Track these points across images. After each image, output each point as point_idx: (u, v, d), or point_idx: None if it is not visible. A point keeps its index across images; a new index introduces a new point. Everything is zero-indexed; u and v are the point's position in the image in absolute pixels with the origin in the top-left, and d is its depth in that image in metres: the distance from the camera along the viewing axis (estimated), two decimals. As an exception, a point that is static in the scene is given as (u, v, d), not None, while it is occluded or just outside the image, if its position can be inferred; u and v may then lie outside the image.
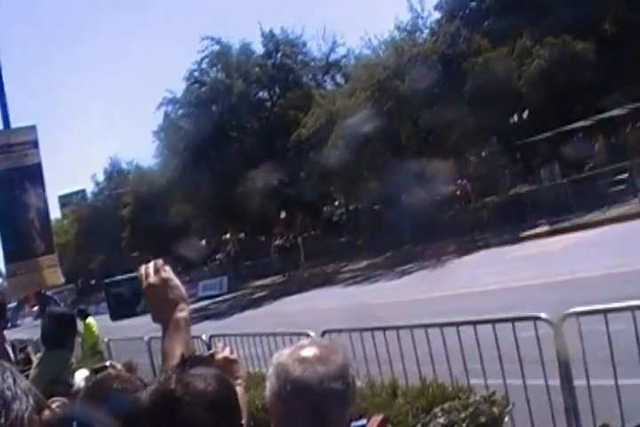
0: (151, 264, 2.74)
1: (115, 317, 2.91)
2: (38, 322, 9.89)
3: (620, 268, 14.89)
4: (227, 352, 3.20)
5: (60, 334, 6.88)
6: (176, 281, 2.73)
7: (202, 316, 30.79)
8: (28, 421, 1.49)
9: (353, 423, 2.62)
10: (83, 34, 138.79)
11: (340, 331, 8.63)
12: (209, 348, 9.33)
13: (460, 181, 38.13)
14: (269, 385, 2.41)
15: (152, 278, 2.69)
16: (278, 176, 45.24)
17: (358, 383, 7.01)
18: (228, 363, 3.12)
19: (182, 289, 2.75)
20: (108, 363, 3.52)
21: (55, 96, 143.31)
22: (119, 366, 3.37)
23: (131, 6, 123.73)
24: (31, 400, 1.53)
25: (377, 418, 3.00)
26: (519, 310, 7.68)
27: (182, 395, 2.13)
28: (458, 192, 36.17)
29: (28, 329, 30.47)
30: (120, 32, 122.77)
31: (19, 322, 55.83)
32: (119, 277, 2.96)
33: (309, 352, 2.42)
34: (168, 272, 2.73)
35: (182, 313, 2.67)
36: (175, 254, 38.45)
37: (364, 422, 2.90)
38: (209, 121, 42.37)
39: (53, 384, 4.60)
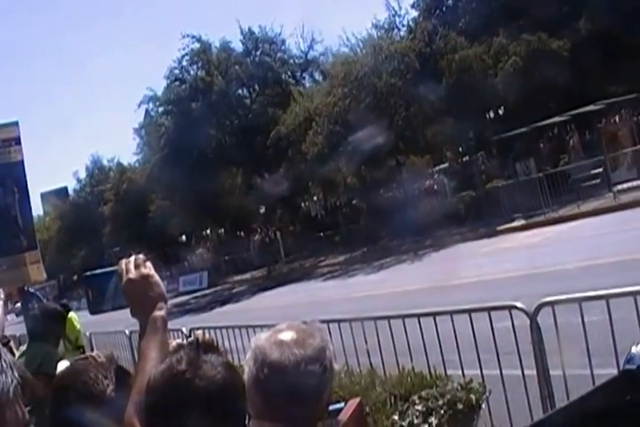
0: (132, 259, 2.68)
1: (93, 310, 2.90)
2: (21, 318, 9.53)
3: (595, 260, 15.13)
4: (206, 338, 3.09)
5: (46, 328, 7.03)
6: (156, 278, 2.66)
7: (182, 310, 30.86)
8: (14, 394, 1.52)
9: (330, 406, 2.68)
10: (64, 31, 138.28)
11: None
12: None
13: (436, 176, 38.46)
14: (247, 369, 2.43)
15: (132, 274, 2.62)
16: (258, 172, 45.40)
17: (337, 372, 6.51)
18: (208, 348, 2.98)
19: (162, 287, 2.68)
20: (89, 354, 3.31)
21: (36, 93, 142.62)
22: (102, 357, 3.08)
23: (113, 4, 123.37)
24: (16, 374, 1.54)
25: (354, 401, 3.05)
26: (496, 302, 7.51)
27: (192, 377, 2.15)
28: (435, 187, 36.41)
29: (11, 326, 30.33)
30: (102, 30, 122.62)
31: (0, 319, 55.45)
32: (99, 271, 2.92)
33: (287, 336, 2.45)
34: (149, 268, 2.66)
35: (160, 312, 2.60)
36: (155, 250, 38.60)
37: (341, 405, 2.95)
38: (189, 118, 42.37)
39: (35, 375, 4.51)
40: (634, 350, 1.73)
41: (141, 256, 2.69)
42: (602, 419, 1.70)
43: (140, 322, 2.59)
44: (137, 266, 2.64)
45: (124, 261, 2.67)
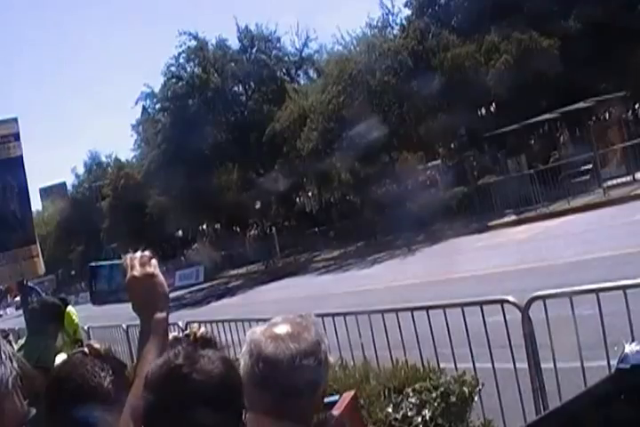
0: (137, 256, 2.61)
1: (96, 301, 2.88)
2: (20, 312, 9.81)
3: (585, 255, 15.36)
4: (202, 332, 3.04)
5: (45, 321, 7.07)
6: (160, 278, 2.59)
7: (178, 304, 30.62)
8: (13, 385, 1.51)
9: (325, 399, 2.67)
10: (62, 27, 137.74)
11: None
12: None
13: (429, 172, 38.65)
14: (242, 363, 2.42)
15: (136, 271, 2.55)
16: (253, 168, 45.67)
17: (332, 365, 6.61)
18: (205, 343, 2.84)
19: (166, 287, 2.61)
20: (86, 344, 3.14)
21: (35, 89, 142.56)
22: (98, 346, 3.06)
23: (112, 2, 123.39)
24: (15, 365, 1.53)
25: (349, 394, 3.03)
26: (488, 296, 7.35)
27: (189, 372, 2.12)
28: (428, 183, 36.51)
29: (10, 319, 30.11)
30: (99, 27, 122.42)
31: (1, 312, 55.99)
32: (104, 263, 2.88)
33: (282, 329, 2.45)
34: (154, 267, 2.59)
35: (162, 314, 2.54)
36: (152, 244, 38.79)
37: (336, 397, 2.96)
38: (185, 115, 42.62)
39: (33, 368, 4.35)
40: (627, 349, 1.68)
41: (148, 254, 2.63)
42: (595, 419, 1.69)
43: (141, 320, 2.56)
44: (142, 264, 2.57)
45: (129, 257, 2.62)
